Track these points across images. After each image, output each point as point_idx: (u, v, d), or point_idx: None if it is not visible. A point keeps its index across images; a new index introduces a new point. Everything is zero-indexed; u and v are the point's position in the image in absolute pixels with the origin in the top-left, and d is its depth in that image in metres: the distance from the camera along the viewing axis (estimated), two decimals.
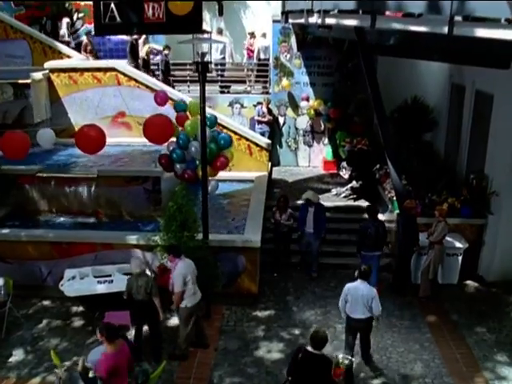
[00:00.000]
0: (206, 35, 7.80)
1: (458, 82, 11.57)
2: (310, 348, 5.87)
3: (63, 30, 15.65)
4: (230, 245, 8.84)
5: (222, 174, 12.37)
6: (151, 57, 14.89)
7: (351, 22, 8.62)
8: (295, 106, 14.32)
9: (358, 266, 7.38)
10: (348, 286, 7.24)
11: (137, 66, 14.13)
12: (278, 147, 14.58)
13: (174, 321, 8.58)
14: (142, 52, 14.52)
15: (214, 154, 8.41)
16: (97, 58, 15.05)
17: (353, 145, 13.00)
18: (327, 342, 5.94)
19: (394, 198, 10.11)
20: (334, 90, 14.15)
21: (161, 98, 8.69)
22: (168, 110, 10.11)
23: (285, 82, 14.02)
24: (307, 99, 13.98)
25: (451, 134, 11.90)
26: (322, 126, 14.45)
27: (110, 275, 8.48)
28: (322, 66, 14.06)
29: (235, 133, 12.54)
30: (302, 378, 5.86)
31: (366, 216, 9.61)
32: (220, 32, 15.16)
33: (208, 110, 11.83)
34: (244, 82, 15.11)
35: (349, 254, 10.13)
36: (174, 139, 8.72)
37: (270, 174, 13.39)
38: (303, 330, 8.43)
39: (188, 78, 14.82)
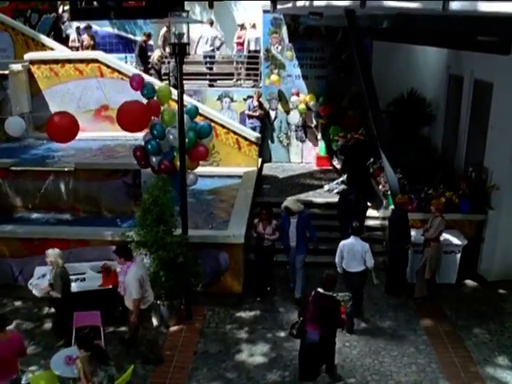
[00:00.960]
0: (184, 14, 7.22)
1: (455, 72, 11.11)
2: (320, 289, 6.42)
3: (73, 35, 15.07)
4: (212, 241, 8.27)
5: (208, 170, 12.03)
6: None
7: (341, 3, 8.10)
8: (287, 101, 13.77)
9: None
10: (343, 242, 7.84)
11: (146, 71, 13.31)
12: (269, 143, 14.03)
13: None
14: (153, 57, 13.67)
15: (193, 143, 7.85)
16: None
17: (346, 139, 12.50)
18: (336, 283, 6.58)
19: (389, 193, 9.55)
20: (327, 82, 13.62)
21: (136, 82, 8.13)
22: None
23: (274, 77, 13.48)
24: (297, 94, 13.44)
25: (449, 127, 11.44)
26: (315, 121, 13.90)
27: (83, 273, 7.96)
28: (314, 57, 13.52)
29: (223, 126, 12.07)
30: (313, 316, 6.37)
31: None
32: (211, 23, 14.61)
33: (190, 100, 11.31)
34: (234, 75, 14.56)
35: None
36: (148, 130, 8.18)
37: (261, 169, 12.87)
38: None
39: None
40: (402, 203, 8.68)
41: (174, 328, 7.94)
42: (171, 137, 7.80)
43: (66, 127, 7.59)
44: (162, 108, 8.06)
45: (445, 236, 8.87)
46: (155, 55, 13.80)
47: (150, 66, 13.86)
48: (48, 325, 8.02)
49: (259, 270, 8.78)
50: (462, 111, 10.69)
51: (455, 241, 8.96)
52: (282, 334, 7.77)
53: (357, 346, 7.52)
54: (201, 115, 11.81)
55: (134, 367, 6.95)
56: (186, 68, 14.57)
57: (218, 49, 14.54)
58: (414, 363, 7.18)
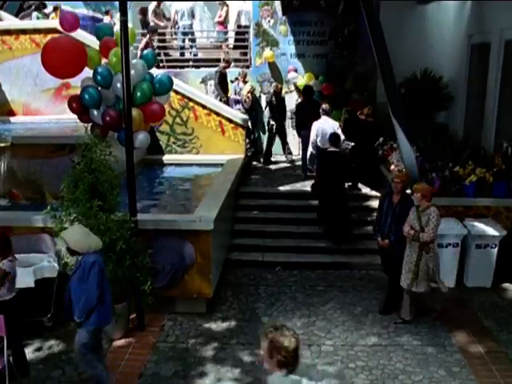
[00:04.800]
0: None
1: (479, 40, 9.43)
2: (330, 148, 8.01)
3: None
4: (171, 227, 6.25)
5: (187, 157, 10.27)
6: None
7: None
8: (281, 83, 11.90)
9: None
10: (315, 123, 8.91)
11: (227, 102, 11.22)
12: (261, 133, 12.13)
13: None
14: (243, 93, 11.36)
15: (147, 97, 5.97)
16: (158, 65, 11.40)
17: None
18: (340, 139, 8.31)
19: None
20: (328, 61, 11.76)
21: (67, 20, 6.36)
22: None
23: (267, 52, 11.65)
24: (295, 70, 11.62)
25: (472, 108, 9.66)
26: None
27: None
28: (312, 33, 11.69)
29: (203, 106, 10.24)
30: (330, 170, 7.89)
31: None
32: None
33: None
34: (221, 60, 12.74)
35: (344, 251, 7.89)
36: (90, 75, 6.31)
37: (251, 159, 11.01)
38: None
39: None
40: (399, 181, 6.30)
41: (119, 342, 5.93)
42: (119, 85, 5.87)
43: None
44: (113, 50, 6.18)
45: (476, 225, 6.90)
46: (245, 91, 11.38)
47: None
48: None
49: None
50: (490, 85, 8.94)
51: (491, 231, 6.96)
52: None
53: (365, 368, 5.46)
54: (178, 93, 10.11)
55: None
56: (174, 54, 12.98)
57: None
58: None
